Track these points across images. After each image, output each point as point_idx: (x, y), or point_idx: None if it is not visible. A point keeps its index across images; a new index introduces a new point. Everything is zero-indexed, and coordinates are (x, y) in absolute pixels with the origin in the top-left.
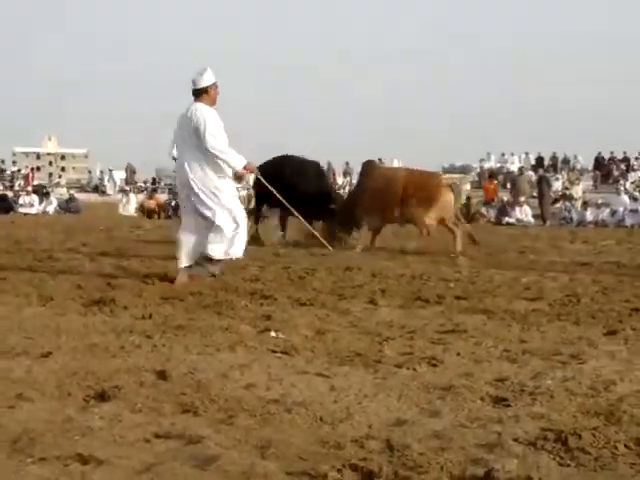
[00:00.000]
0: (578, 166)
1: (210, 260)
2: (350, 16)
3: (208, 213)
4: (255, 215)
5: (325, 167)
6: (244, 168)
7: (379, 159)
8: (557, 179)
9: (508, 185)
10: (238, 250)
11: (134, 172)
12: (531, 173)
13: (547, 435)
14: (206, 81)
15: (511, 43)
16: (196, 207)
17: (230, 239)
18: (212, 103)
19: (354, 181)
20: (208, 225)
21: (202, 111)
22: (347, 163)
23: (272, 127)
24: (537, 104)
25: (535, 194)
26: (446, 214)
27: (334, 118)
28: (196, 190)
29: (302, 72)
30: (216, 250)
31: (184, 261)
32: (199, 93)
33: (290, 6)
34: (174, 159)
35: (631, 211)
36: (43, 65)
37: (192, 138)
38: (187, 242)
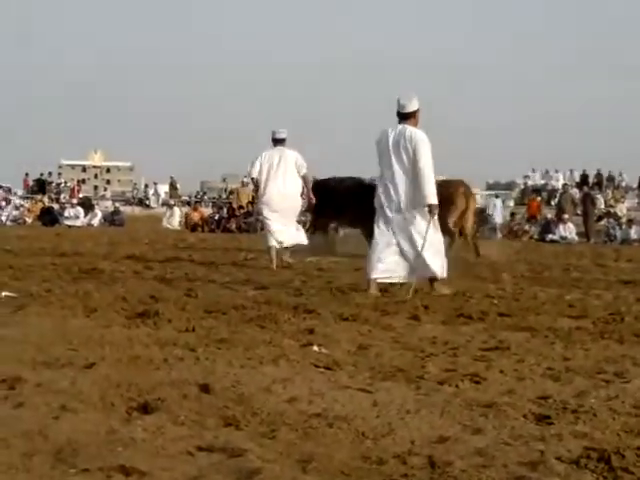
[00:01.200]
0: (623, 184)
1: (434, 279)
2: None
3: (416, 231)
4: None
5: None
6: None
7: None
8: (600, 197)
9: (552, 202)
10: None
11: (176, 187)
12: (575, 190)
13: (590, 454)
14: (414, 106)
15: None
16: (402, 225)
17: (442, 257)
18: (416, 125)
19: None
20: (411, 244)
21: (416, 133)
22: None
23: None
24: (583, 120)
25: (579, 212)
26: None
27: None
28: (404, 208)
29: None
30: (438, 269)
31: (376, 273)
32: (407, 116)
33: None
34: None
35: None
36: (89, 80)
37: (403, 157)
38: (384, 257)
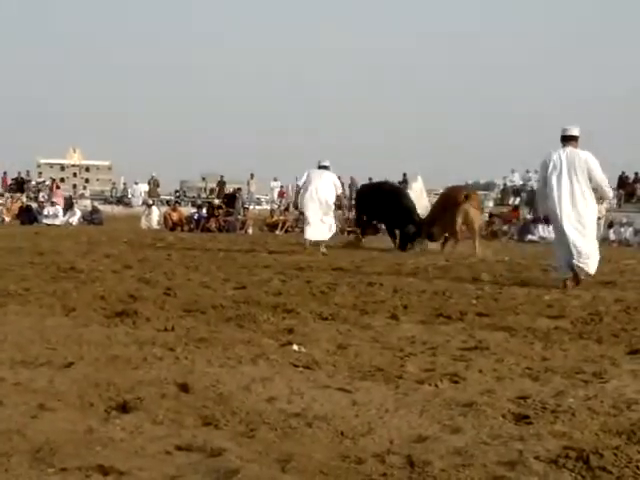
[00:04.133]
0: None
1: (581, 273)
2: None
3: (580, 237)
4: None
5: (348, 182)
6: None
7: (404, 174)
8: None
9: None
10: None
11: (157, 185)
12: None
13: (569, 454)
14: (577, 131)
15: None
16: (570, 233)
17: (596, 257)
18: (576, 147)
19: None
20: (577, 248)
21: (588, 155)
22: (370, 179)
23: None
24: (563, 121)
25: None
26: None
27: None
28: (573, 220)
29: None
30: (592, 267)
31: (567, 272)
32: (571, 139)
33: None
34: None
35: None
36: (68, 78)
37: (576, 175)
38: (565, 258)
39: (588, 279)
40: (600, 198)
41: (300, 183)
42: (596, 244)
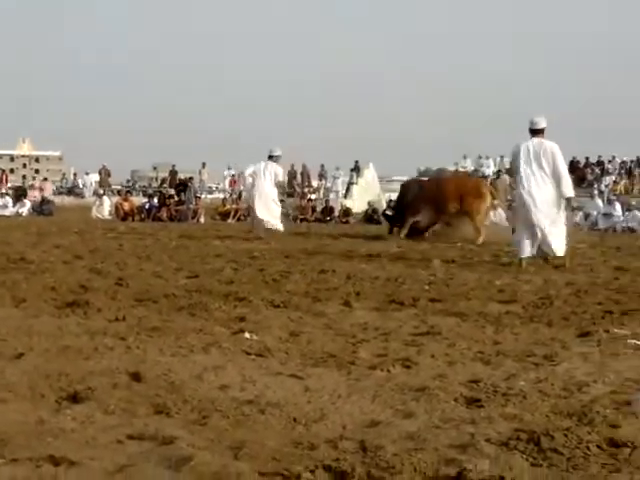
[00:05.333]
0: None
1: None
2: None
3: (546, 221)
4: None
5: (300, 170)
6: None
7: (355, 162)
8: None
9: None
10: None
11: (109, 174)
12: (506, 177)
13: (520, 436)
14: (544, 124)
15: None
16: (536, 217)
17: (561, 239)
18: (542, 138)
19: (329, 184)
20: (543, 231)
21: (553, 145)
22: (322, 166)
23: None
24: (513, 106)
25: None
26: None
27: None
28: (538, 205)
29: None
30: (557, 247)
31: (526, 252)
32: (539, 132)
33: None
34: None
35: (604, 215)
36: (17, 68)
37: (544, 164)
38: (527, 241)
39: (558, 262)
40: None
41: (247, 174)
42: (564, 228)
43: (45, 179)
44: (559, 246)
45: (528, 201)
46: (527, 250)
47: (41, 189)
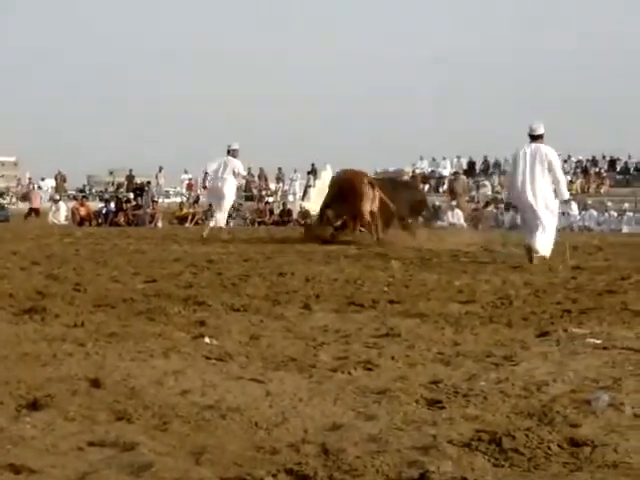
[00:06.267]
0: (509, 170)
1: (534, 251)
2: None
3: (539, 222)
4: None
5: (257, 173)
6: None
7: (312, 164)
8: (487, 183)
9: (440, 189)
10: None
11: (65, 180)
12: (464, 177)
13: (481, 436)
14: (542, 130)
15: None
16: (531, 217)
17: (549, 241)
18: (541, 143)
19: (287, 187)
20: (539, 230)
21: (549, 150)
22: (280, 169)
23: None
24: (467, 106)
25: (468, 197)
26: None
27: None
28: (537, 207)
29: None
30: (543, 247)
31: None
32: (537, 137)
33: None
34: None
35: (562, 214)
36: None
37: (538, 169)
38: (531, 238)
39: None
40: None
41: (209, 171)
42: (554, 231)
43: (39, 187)
44: (546, 247)
45: (525, 203)
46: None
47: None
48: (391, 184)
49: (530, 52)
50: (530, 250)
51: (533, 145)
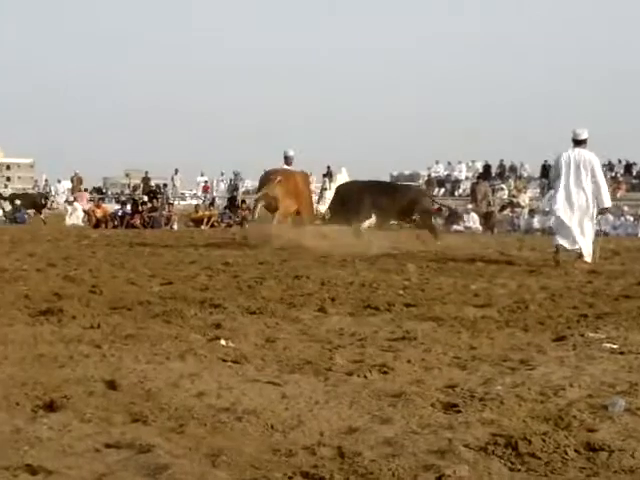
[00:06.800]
0: (525, 174)
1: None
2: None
3: (579, 227)
4: None
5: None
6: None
7: (327, 167)
8: (504, 187)
9: (456, 193)
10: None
11: (81, 182)
12: (486, 183)
13: (497, 440)
14: (586, 135)
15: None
16: (571, 222)
17: (590, 245)
18: (584, 149)
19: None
20: (580, 234)
21: (592, 156)
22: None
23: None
24: (480, 112)
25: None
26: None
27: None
28: (580, 211)
29: None
30: (586, 252)
31: (562, 242)
32: (581, 142)
33: None
34: None
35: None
36: None
37: (582, 174)
38: (564, 238)
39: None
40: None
41: None
42: (593, 235)
43: (86, 189)
44: (587, 251)
45: (565, 207)
46: (564, 241)
47: (75, 199)
48: (375, 187)
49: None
50: (558, 252)
51: (576, 150)
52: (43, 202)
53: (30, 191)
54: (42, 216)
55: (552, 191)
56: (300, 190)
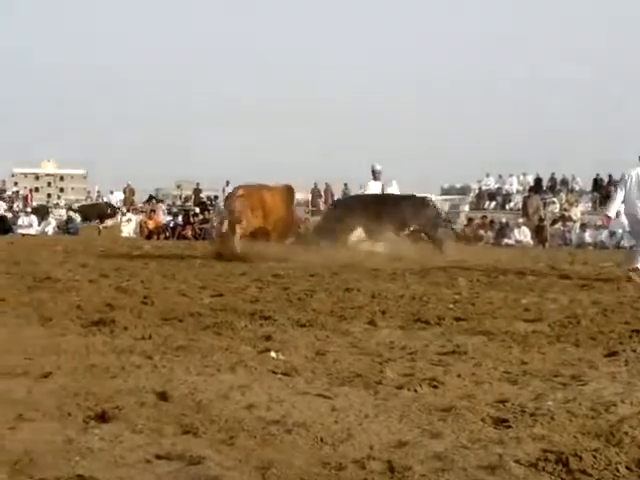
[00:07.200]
0: (577, 188)
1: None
2: None
3: None
4: None
5: (324, 189)
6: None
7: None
8: (555, 200)
9: (507, 206)
10: None
11: (133, 193)
12: (537, 196)
13: (548, 456)
14: None
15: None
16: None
17: None
18: None
19: None
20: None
21: None
22: (345, 184)
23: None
24: (536, 123)
25: (542, 216)
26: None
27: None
28: None
29: None
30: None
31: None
32: None
33: None
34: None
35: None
36: (40, 89)
37: None
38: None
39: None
40: None
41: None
42: None
43: (161, 201)
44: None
45: (634, 222)
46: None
47: (152, 211)
48: (366, 200)
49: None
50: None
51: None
52: (109, 212)
53: (95, 202)
54: (102, 226)
55: (620, 208)
56: (270, 205)
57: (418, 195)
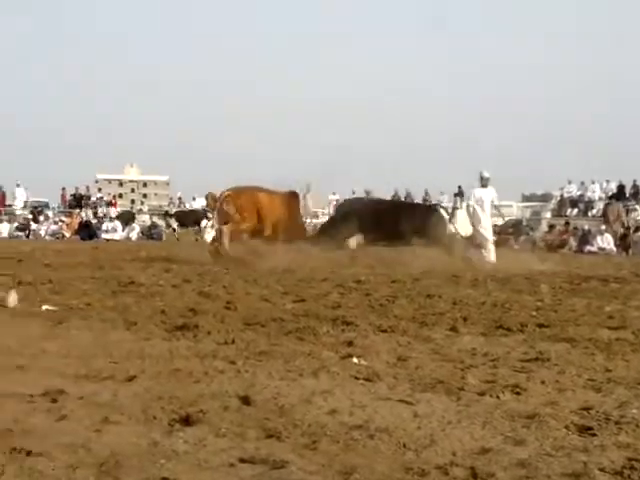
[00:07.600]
0: None
1: None
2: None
3: None
4: None
5: (404, 195)
6: None
7: (459, 186)
8: (635, 209)
9: (589, 213)
10: None
11: (215, 199)
12: (619, 204)
13: (633, 465)
14: None
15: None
16: None
17: None
18: None
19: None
20: None
21: None
22: (426, 191)
23: None
24: (618, 130)
25: (625, 223)
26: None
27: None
28: None
29: None
30: None
31: None
32: None
33: None
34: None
35: None
36: (122, 94)
37: None
38: None
39: None
40: None
41: (472, 203)
42: None
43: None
44: None
45: None
46: None
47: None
48: (373, 206)
49: None
50: None
51: None
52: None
53: (191, 209)
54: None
55: None
56: (268, 207)
57: (426, 204)
